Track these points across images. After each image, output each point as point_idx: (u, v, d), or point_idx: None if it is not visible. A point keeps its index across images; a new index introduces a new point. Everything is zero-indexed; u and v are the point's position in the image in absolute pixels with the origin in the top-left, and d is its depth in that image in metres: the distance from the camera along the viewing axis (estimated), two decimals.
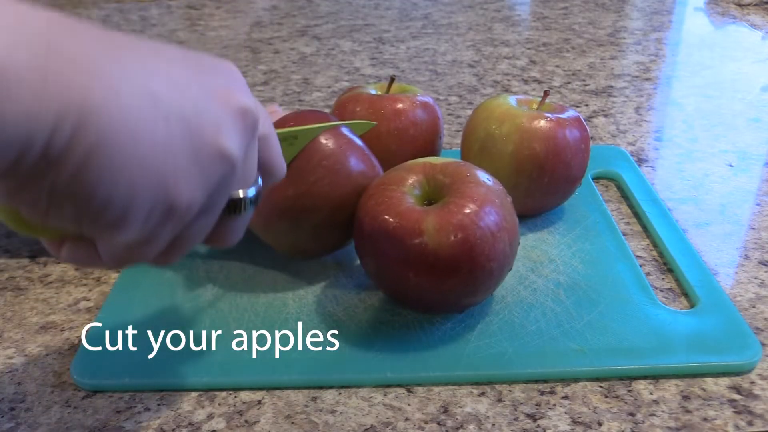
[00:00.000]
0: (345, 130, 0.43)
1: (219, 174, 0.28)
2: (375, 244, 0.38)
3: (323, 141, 0.41)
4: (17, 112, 0.21)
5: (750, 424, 0.34)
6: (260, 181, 0.32)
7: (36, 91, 0.22)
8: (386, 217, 0.37)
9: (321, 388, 0.37)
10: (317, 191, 0.41)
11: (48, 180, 0.23)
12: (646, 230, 0.50)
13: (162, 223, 0.27)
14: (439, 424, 0.35)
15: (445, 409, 0.36)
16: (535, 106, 0.50)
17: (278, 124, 0.42)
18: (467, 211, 0.37)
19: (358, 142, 0.43)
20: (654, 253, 0.48)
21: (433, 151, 0.51)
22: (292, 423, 0.35)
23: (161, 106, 0.25)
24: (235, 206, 0.31)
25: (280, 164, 0.34)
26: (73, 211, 0.25)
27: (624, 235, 0.49)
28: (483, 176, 0.39)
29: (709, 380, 0.37)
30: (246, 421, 0.35)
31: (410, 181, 0.39)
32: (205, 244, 0.32)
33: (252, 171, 0.31)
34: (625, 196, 0.54)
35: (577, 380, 0.37)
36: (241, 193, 0.31)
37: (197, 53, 0.29)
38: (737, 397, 0.36)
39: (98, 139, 0.23)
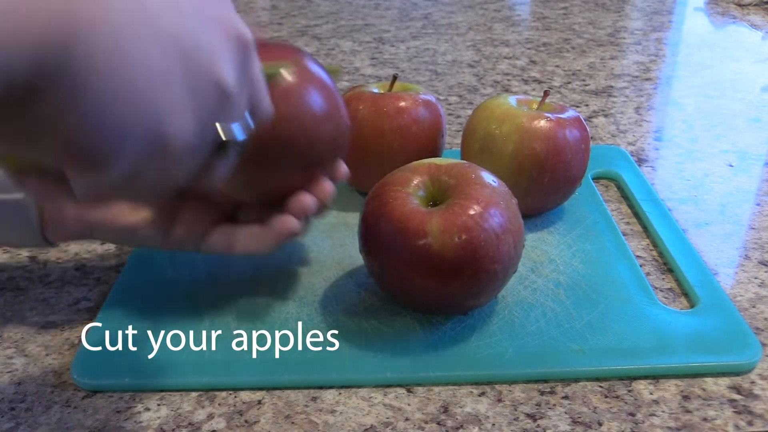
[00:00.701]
0: (313, 65, 0.39)
1: (213, 108, 0.25)
2: (379, 245, 0.38)
3: (284, 73, 0.37)
4: None
5: (750, 424, 0.34)
6: (249, 118, 0.28)
7: (8, 12, 0.18)
8: (391, 218, 0.37)
9: (321, 388, 0.37)
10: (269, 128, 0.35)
11: (31, 112, 0.21)
12: (646, 230, 0.50)
13: (149, 161, 0.24)
14: (439, 424, 0.35)
15: (445, 409, 0.36)
16: (535, 106, 0.50)
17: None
18: (472, 212, 0.37)
19: (325, 79, 0.39)
20: (654, 253, 0.48)
21: (436, 149, 0.52)
22: (292, 423, 0.35)
23: (156, 25, 0.22)
24: (223, 146, 0.27)
25: (267, 100, 0.30)
26: (53, 145, 0.22)
27: (624, 235, 0.49)
28: (488, 178, 0.39)
29: (709, 380, 0.37)
30: (246, 421, 0.35)
31: (415, 182, 0.39)
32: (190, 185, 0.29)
33: (243, 105, 0.27)
34: (625, 196, 0.54)
35: (577, 380, 0.37)
36: (230, 130, 0.27)
37: None
38: (737, 397, 0.36)
39: (87, 65, 0.20)
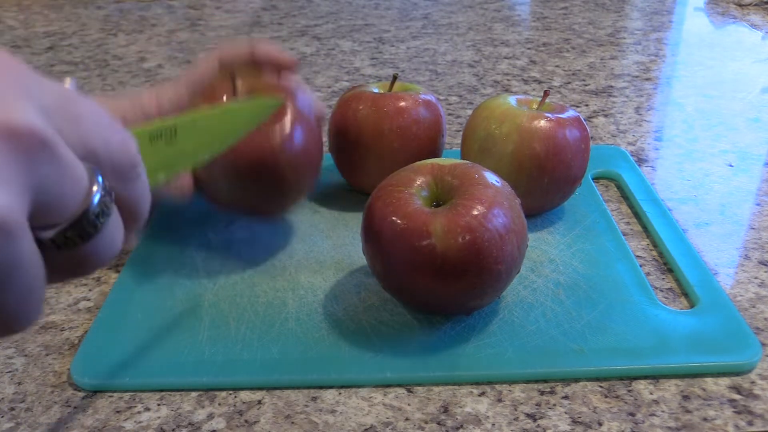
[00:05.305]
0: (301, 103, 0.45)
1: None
2: (382, 246, 0.38)
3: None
4: None
5: (750, 424, 0.34)
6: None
7: None
8: (394, 218, 0.37)
9: (321, 388, 0.37)
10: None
11: None
12: (646, 230, 0.50)
13: None
14: (439, 424, 0.35)
15: (445, 409, 0.36)
16: (535, 106, 0.50)
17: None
18: (475, 212, 0.37)
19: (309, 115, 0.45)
20: (654, 253, 0.48)
21: (436, 149, 0.52)
22: (292, 423, 0.35)
23: None
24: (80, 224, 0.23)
25: (142, 204, 0.26)
26: None
27: (624, 235, 0.49)
28: (491, 178, 0.39)
29: (709, 380, 0.37)
30: (246, 421, 0.35)
31: (418, 183, 0.39)
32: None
33: (62, 201, 0.22)
34: (625, 196, 0.54)
35: (577, 380, 0.37)
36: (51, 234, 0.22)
37: None
38: (737, 397, 0.36)
39: None
